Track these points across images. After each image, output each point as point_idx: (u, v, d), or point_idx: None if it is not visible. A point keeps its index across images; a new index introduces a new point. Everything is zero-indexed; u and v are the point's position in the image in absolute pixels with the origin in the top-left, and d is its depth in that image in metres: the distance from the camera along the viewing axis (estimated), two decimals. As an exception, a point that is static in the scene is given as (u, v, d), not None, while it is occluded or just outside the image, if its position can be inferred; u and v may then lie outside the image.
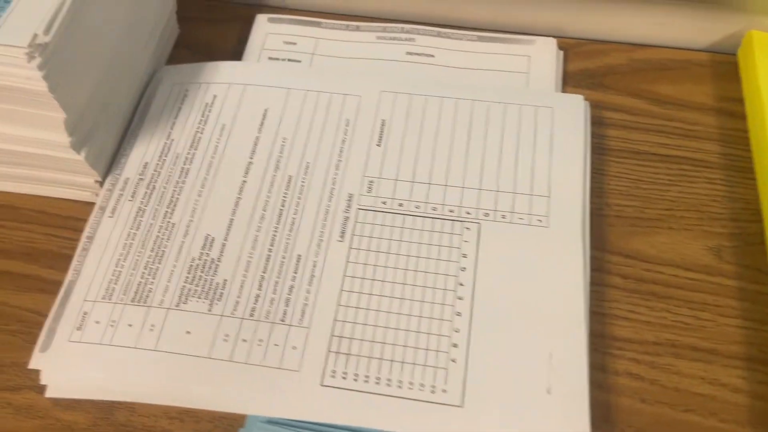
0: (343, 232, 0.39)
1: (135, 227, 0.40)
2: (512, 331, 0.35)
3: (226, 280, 0.37)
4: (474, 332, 0.35)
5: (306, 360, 0.35)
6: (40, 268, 0.40)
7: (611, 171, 0.43)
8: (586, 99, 0.44)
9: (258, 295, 0.37)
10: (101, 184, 0.42)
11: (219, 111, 0.44)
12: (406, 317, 0.36)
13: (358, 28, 0.49)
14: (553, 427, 0.33)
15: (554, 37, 0.48)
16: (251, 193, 0.40)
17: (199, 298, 0.37)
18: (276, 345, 0.35)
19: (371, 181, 0.41)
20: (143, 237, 0.39)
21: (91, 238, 0.39)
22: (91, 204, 0.41)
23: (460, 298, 0.36)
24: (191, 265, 0.38)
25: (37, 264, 0.40)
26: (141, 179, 0.41)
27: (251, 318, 0.36)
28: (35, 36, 0.34)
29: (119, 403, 0.35)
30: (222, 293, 0.37)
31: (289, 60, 0.48)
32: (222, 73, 0.45)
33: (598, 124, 0.45)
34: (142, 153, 0.42)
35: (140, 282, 0.38)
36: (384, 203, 0.40)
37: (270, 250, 0.38)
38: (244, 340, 0.36)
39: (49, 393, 0.36)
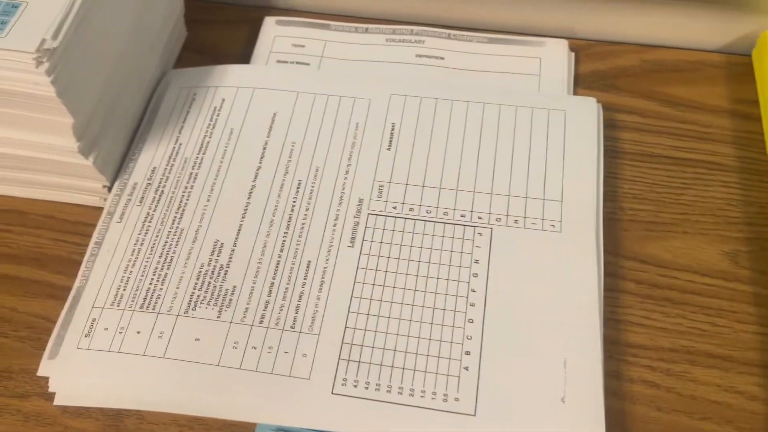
0: (353, 238, 0.38)
1: (143, 233, 0.39)
2: (526, 338, 0.35)
3: (235, 287, 0.37)
4: (486, 339, 0.35)
5: (316, 368, 0.34)
6: (49, 273, 0.40)
7: (624, 174, 0.43)
8: (598, 101, 0.43)
9: (268, 302, 0.37)
10: (109, 189, 0.41)
11: (227, 115, 0.43)
12: (418, 324, 0.36)
13: (367, 31, 0.48)
14: (568, 436, 0.32)
15: (565, 38, 0.47)
16: (260, 198, 0.40)
17: (209, 304, 0.37)
18: (286, 352, 0.35)
19: (381, 186, 0.40)
20: (152, 242, 0.39)
21: (99, 244, 0.39)
22: (99, 209, 0.41)
23: (472, 305, 0.36)
24: (200, 271, 0.38)
25: (45, 269, 0.40)
26: (149, 184, 0.41)
27: (261, 325, 0.36)
28: (43, 41, 0.34)
29: (128, 410, 0.35)
30: (231, 300, 0.37)
31: (297, 63, 0.47)
32: (230, 76, 0.45)
33: (610, 127, 0.44)
34: (151, 157, 0.42)
35: (149, 288, 0.37)
36: (395, 208, 0.39)
37: (280, 256, 0.38)
38: (254, 348, 0.35)
39: (58, 400, 0.35)
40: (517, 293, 0.36)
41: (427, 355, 0.35)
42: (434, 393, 0.34)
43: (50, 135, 0.38)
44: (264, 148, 0.42)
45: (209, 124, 0.43)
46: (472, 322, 0.36)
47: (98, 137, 0.40)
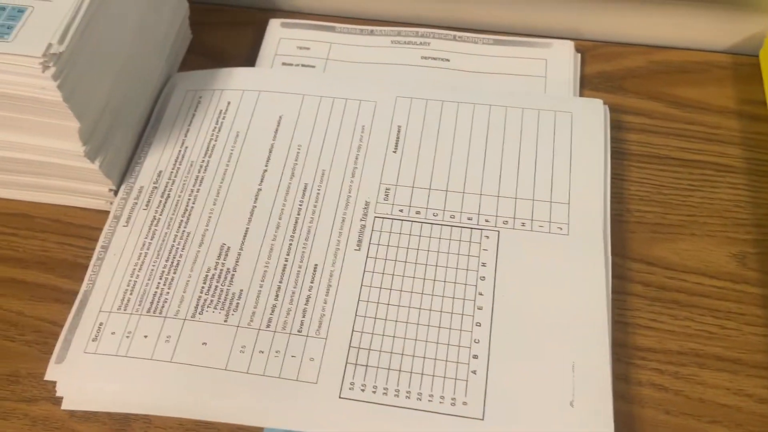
0: (360, 241, 0.38)
1: (150, 236, 0.39)
2: (534, 342, 0.35)
3: (242, 290, 0.37)
4: (494, 343, 0.35)
5: (324, 372, 0.34)
6: (56, 277, 0.40)
7: (631, 176, 0.42)
8: (604, 103, 0.43)
9: (275, 306, 0.37)
10: (115, 192, 0.41)
11: (233, 118, 0.43)
12: (425, 328, 0.36)
13: (372, 33, 0.48)
14: (577, 440, 0.32)
15: (571, 39, 0.47)
16: (267, 201, 0.40)
17: (215, 308, 0.37)
18: (293, 356, 0.35)
19: (388, 189, 0.40)
20: (158, 246, 0.39)
21: (105, 248, 0.39)
22: (105, 212, 0.41)
23: (479, 308, 0.36)
24: (207, 275, 0.38)
25: (52, 273, 0.40)
26: (155, 187, 0.41)
27: (268, 329, 0.36)
28: (49, 46, 0.34)
29: (135, 415, 0.35)
30: (238, 303, 0.37)
31: (302, 65, 0.47)
32: (236, 79, 0.45)
33: (617, 128, 0.44)
34: (156, 161, 0.42)
35: (156, 292, 0.37)
36: (401, 211, 0.39)
37: (286, 260, 0.38)
38: (261, 352, 0.35)
39: (65, 405, 0.35)
40: (524, 296, 0.36)
41: (435, 359, 0.35)
42: (442, 397, 0.34)
43: (56, 139, 0.38)
44: (270, 151, 0.42)
45: (215, 128, 0.43)
46: (480, 325, 0.35)
47: (104, 141, 0.40)
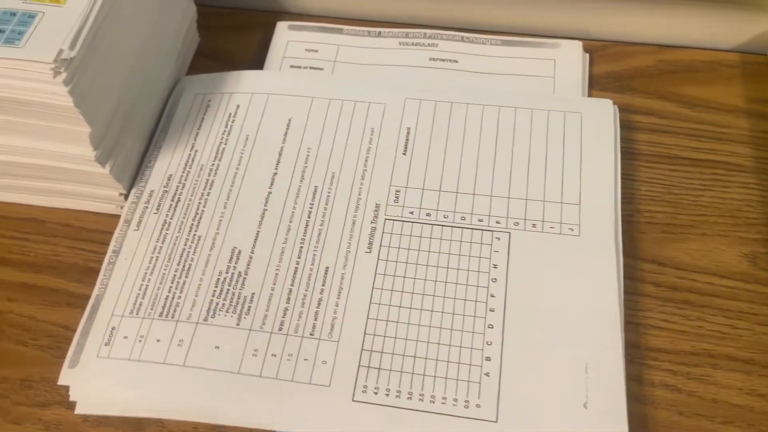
0: (370, 244, 0.38)
1: (161, 240, 0.39)
2: (546, 344, 0.35)
3: (254, 294, 0.37)
4: (507, 345, 0.35)
5: (336, 375, 0.34)
6: (68, 281, 0.40)
7: (641, 176, 0.42)
8: (613, 103, 0.43)
9: (286, 309, 0.37)
10: (126, 196, 0.41)
11: (242, 121, 0.43)
12: (437, 330, 0.36)
13: (380, 34, 0.48)
14: (590, 442, 0.32)
15: (579, 39, 0.47)
16: (277, 204, 0.40)
17: (227, 312, 0.37)
18: (306, 359, 0.35)
19: (398, 191, 0.40)
20: (169, 250, 0.39)
21: (117, 252, 0.39)
22: (116, 216, 0.41)
23: (491, 310, 0.36)
24: (218, 279, 0.38)
25: (64, 278, 0.40)
26: (166, 191, 0.41)
27: (280, 332, 0.36)
28: (60, 51, 0.34)
29: (149, 419, 0.35)
30: (250, 307, 0.37)
31: (311, 68, 0.47)
32: (244, 82, 0.45)
33: (626, 128, 0.44)
34: (166, 165, 0.42)
35: (167, 296, 0.37)
36: (411, 213, 0.39)
37: (297, 263, 0.38)
38: (274, 355, 0.35)
39: (79, 409, 0.35)
40: (536, 298, 0.36)
41: (448, 362, 0.35)
42: (455, 399, 0.34)
43: (67, 144, 0.38)
44: (280, 155, 0.42)
45: (224, 131, 0.43)
46: (492, 327, 0.35)
47: (115, 145, 0.40)
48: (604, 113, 0.42)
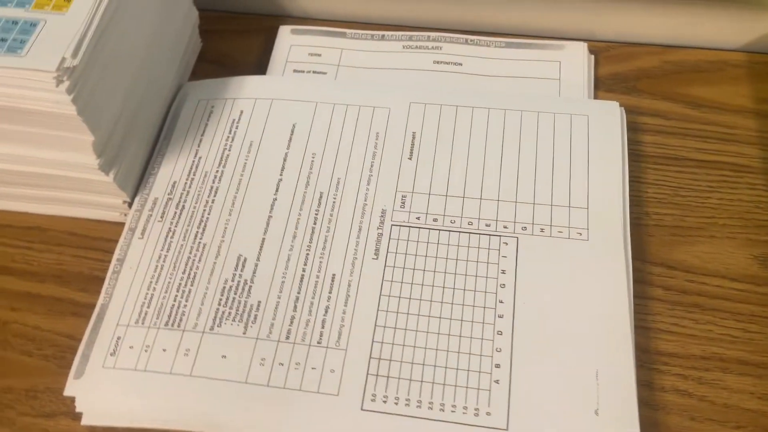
0: (377, 250, 0.38)
1: (166, 249, 0.39)
2: (556, 350, 0.34)
3: (260, 302, 0.37)
4: (516, 351, 0.35)
5: (345, 383, 0.34)
6: (72, 291, 0.40)
7: (649, 178, 0.42)
8: (620, 105, 0.43)
9: (293, 317, 0.36)
10: (130, 204, 0.41)
11: (246, 127, 0.43)
12: (446, 337, 0.35)
13: (383, 38, 0.48)
14: (602, 449, 0.32)
15: (583, 40, 0.47)
16: (282, 211, 0.40)
17: (234, 320, 0.36)
18: (313, 368, 0.35)
19: (404, 196, 0.40)
20: (174, 258, 0.39)
21: (121, 261, 0.39)
22: (120, 224, 0.41)
23: (500, 316, 0.36)
24: (224, 287, 0.37)
25: (68, 287, 0.40)
26: (170, 199, 0.41)
27: (287, 341, 0.36)
28: (63, 60, 0.34)
29: (156, 430, 0.35)
30: (257, 315, 0.36)
31: (314, 72, 0.47)
32: (248, 87, 0.45)
33: (633, 130, 0.43)
34: (170, 172, 0.42)
35: (173, 305, 0.37)
36: (418, 218, 0.39)
37: (304, 270, 0.38)
38: (281, 364, 0.35)
39: (85, 420, 0.35)
40: (545, 303, 0.36)
41: (457, 369, 0.34)
42: (465, 407, 0.33)
43: (70, 152, 0.38)
44: (284, 160, 0.42)
45: (228, 137, 0.43)
46: (501, 334, 0.35)
47: (118, 153, 0.40)
48: (611, 115, 0.42)
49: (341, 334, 0.36)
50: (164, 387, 0.35)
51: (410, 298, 0.36)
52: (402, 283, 0.37)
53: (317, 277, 0.37)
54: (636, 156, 0.43)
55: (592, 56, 0.47)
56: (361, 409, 0.33)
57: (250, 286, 0.37)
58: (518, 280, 0.37)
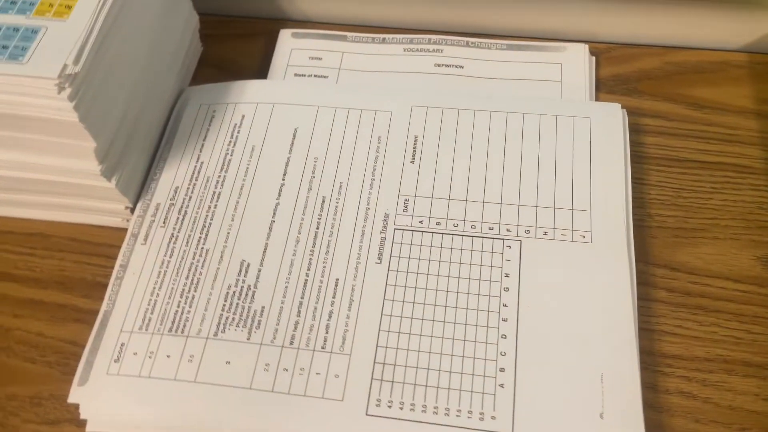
0: (380, 254, 0.38)
1: (168, 254, 0.39)
2: (561, 353, 0.34)
3: (263, 307, 0.37)
4: (521, 355, 0.34)
5: (349, 389, 0.34)
6: (75, 297, 0.40)
7: (651, 180, 0.42)
8: (622, 107, 0.43)
9: (297, 322, 0.36)
10: (132, 210, 0.41)
11: (248, 131, 0.43)
12: (450, 341, 0.35)
13: (384, 41, 0.48)
14: (607, 452, 0.32)
15: (584, 42, 0.47)
16: (285, 215, 0.40)
17: (237, 326, 0.36)
18: (318, 374, 0.35)
19: (407, 200, 0.40)
20: (177, 264, 0.39)
21: (124, 267, 0.39)
22: (123, 230, 0.41)
23: (504, 320, 0.36)
24: (228, 293, 0.37)
25: (71, 293, 0.40)
26: (172, 204, 0.41)
27: (291, 346, 0.36)
28: (65, 66, 0.34)
29: (161, 436, 0.35)
30: (260, 321, 0.36)
31: (315, 76, 0.47)
32: (249, 91, 0.45)
33: (635, 132, 0.43)
34: (172, 177, 0.42)
35: (177, 311, 0.37)
36: (421, 222, 0.39)
37: (307, 275, 0.38)
38: (285, 369, 0.35)
39: (90, 427, 0.35)
40: (549, 307, 0.36)
41: (461, 373, 0.34)
42: (470, 411, 0.33)
43: (73, 159, 0.38)
44: (286, 165, 0.42)
45: (230, 142, 0.43)
46: (506, 337, 0.35)
47: (120, 159, 0.40)
48: (613, 117, 0.42)
49: (345, 339, 0.36)
50: (168, 393, 0.35)
51: (414, 303, 0.36)
52: (405, 287, 0.37)
53: (321, 281, 0.37)
54: (638, 157, 0.43)
55: (593, 58, 0.47)
56: (366, 414, 0.33)
57: (254, 292, 0.37)
58: (522, 284, 0.37)
